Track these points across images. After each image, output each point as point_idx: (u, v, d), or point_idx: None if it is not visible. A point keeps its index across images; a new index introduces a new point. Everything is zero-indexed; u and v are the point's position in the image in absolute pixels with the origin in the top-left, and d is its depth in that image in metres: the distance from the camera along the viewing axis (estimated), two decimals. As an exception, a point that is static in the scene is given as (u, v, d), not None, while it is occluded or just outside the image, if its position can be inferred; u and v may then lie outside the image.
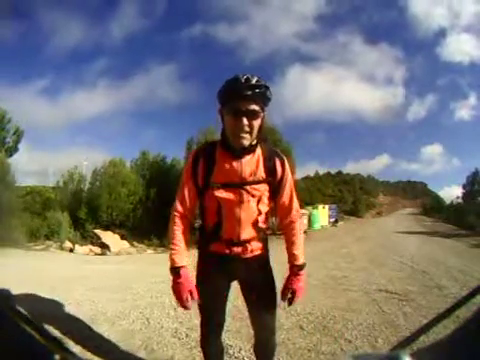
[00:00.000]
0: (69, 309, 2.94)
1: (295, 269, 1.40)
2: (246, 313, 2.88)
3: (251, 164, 1.30)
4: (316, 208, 18.75)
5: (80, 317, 2.76)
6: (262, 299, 1.41)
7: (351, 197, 41.71)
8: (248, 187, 1.29)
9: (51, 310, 2.89)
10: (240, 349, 2.23)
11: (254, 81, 1.17)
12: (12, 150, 11.26)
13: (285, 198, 1.40)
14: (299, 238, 1.43)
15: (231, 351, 2.19)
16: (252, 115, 1.20)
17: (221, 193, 1.28)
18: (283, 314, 2.96)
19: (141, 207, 11.78)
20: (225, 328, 2.22)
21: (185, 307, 1.31)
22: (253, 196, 1.30)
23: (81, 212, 10.85)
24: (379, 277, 4.66)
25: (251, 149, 1.29)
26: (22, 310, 0.42)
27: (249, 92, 1.17)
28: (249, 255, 1.37)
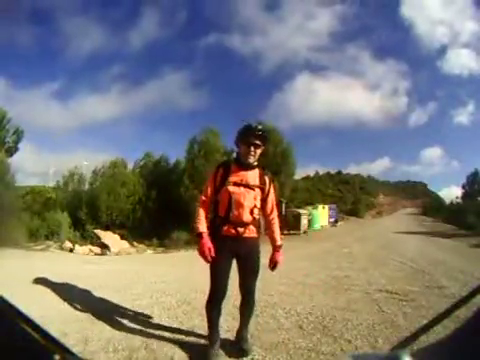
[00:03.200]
0: (69, 309, 2.94)
1: (276, 248, 2.22)
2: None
3: (252, 175, 2.12)
4: (316, 208, 18.75)
5: (80, 317, 2.77)
6: (252, 270, 2.14)
7: (351, 197, 41.75)
8: (249, 187, 2.09)
9: (51, 310, 2.89)
10: (240, 349, 2.23)
11: (260, 128, 2.08)
12: (12, 150, 11.25)
13: (271, 202, 2.23)
14: (277, 228, 2.26)
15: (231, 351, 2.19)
16: (256, 146, 2.08)
17: (232, 188, 2.06)
18: (283, 314, 2.97)
19: (141, 207, 11.76)
20: (226, 328, 2.31)
21: (208, 260, 2.00)
22: (252, 193, 2.09)
23: (81, 212, 10.83)
24: (379, 277, 4.66)
25: (254, 167, 2.14)
26: (22, 310, 0.42)
27: (257, 133, 2.06)
28: (247, 235, 2.09)
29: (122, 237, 10.36)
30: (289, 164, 13.69)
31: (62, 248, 8.55)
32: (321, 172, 63.35)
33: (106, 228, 10.77)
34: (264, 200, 2.16)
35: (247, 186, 2.07)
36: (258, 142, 2.06)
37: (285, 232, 14.37)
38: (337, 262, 6.22)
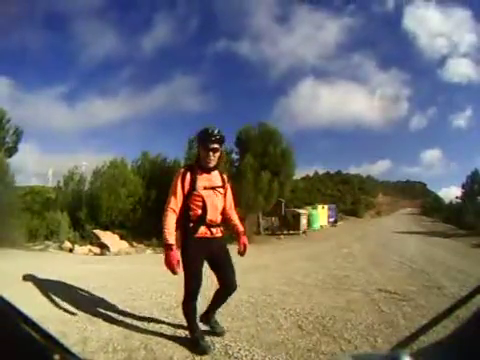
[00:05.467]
0: (68, 309, 2.94)
1: (242, 233, 2.42)
2: (245, 313, 2.90)
3: (216, 177, 2.29)
4: (315, 208, 18.76)
5: (79, 317, 2.76)
6: (230, 265, 2.29)
7: (350, 197, 41.78)
8: (216, 189, 2.26)
9: (51, 310, 2.89)
10: (240, 349, 2.23)
11: (216, 132, 2.17)
12: (12, 150, 11.22)
13: (229, 197, 2.42)
14: (236, 217, 2.48)
15: (230, 351, 2.19)
16: (215, 150, 2.20)
17: (205, 193, 2.19)
18: (282, 314, 2.97)
19: (140, 207, 11.74)
20: (225, 328, 2.31)
21: (175, 272, 2.06)
22: (219, 194, 2.28)
23: (81, 212, 10.81)
24: (378, 277, 4.66)
25: (214, 169, 2.27)
26: (22, 310, 0.42)
27: (213, 138, 2.17)
28: (218, 235, 2.27)
29: (121, 237, 10.33)
30: (289, 164, 13.67)
31: (61, 248, 8.53)
32: (320, 172, 63.33)
33: (105, 228, 10.74)
34: (225, 195, 2.37)
35: (215, 188, 2.24)
36: (216, 146, 2.19)
37: (285, 232, 14.40)
38: (336, 262, 6.22)
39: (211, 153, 2.18)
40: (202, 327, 2.40)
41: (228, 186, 2.41)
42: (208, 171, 2.24)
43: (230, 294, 2.34)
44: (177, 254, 2.08)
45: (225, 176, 2.41)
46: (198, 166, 2.24)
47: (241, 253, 2.40)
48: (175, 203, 2.14)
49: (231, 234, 2.60)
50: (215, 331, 2.42)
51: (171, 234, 2.08)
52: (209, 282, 2.46)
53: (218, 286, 2.35)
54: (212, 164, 2.22)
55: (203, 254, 2.19)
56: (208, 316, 2.45)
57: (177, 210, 2.15)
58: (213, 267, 2.30)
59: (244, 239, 2.40)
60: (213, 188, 2.23)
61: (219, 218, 2.29)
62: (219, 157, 2.27)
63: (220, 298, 2.38)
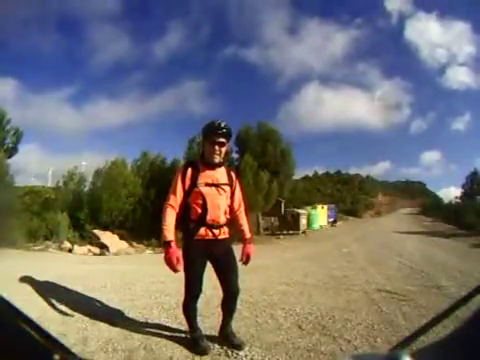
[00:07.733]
0: (68, 309, 2.93)
1: (247, 240, 2.25)
2: (245, 313, 2.90)
3: (221, 173, 2.13)
4: (315, 208, 18.76)
5: (79, 317, 2.76)
6: (232, 269, 2.15)
7: (350, 197, 41.75)
8: (220, 186, 2.09)
9: (50, 310, 2.89)
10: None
11: (223, 125, 2.04)
12: (11, 151, 11.20)
13: (238, 196, 2.25)
14: (245, 221, 2.30)
15: (230, 351, 2.19)
16: (221, 144, 2.07)
17: (206, 190, 2.04)
18: (282, 314, 2.97)
19: (140, 208, 11.73)
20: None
21: (175, 270, 1.99)
22: (224, 192, 2.11)
23: (81, 212, 10.80)
24: (378, 277, 4.66)
25: (221, 165, 2.13)
26: (22, 310, 0.42)
27: (220, 131, 2.04)
28: (222, 237, 2.11)
29: (121, 237, 10.33)
30: (288, 164, 13.68)
31: (61, 248, 8.53)
32: (320, 172, 63.31)
33: (105, 228, 10.73)
34: (231, 196, 2.19)
35: (218, 186, 2.07)
36: (222, 140, 2.05)
37: (284, 232, 14.40)
38: (336, 262, 6.22)
39: (217, 147, 2.04)
40: (205, 331, 2.38)
41: (237, 184, 2.24)
42: (212, 167, 2.08)
43: (234, 299, 2.21)
44: (177, 251, 1.97)
45: (233, 173, 2.25)
46: (202, 162, 2.10)
47: (243, 263, 2.22)
48: (174, 199, 2.03)
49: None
50: (233, 343, 2.22)
51: (170, 231, 1.98)
52: (209, 282, 2.46)
53: (221, 293, 2.24)
54: (218, 159, 2.08)
55: (204, 257, 2.09)
56: (223, 331, 2.30)
57: (176, 207, 2.04)
58: (215, 270, 2.19)
59: (248, 248, 2.22)
60: (216, 185, 2.07)
61: (223, 218, 2.11)
62: (226, 152, 2.14)
63: (226, 305, 2.24)
